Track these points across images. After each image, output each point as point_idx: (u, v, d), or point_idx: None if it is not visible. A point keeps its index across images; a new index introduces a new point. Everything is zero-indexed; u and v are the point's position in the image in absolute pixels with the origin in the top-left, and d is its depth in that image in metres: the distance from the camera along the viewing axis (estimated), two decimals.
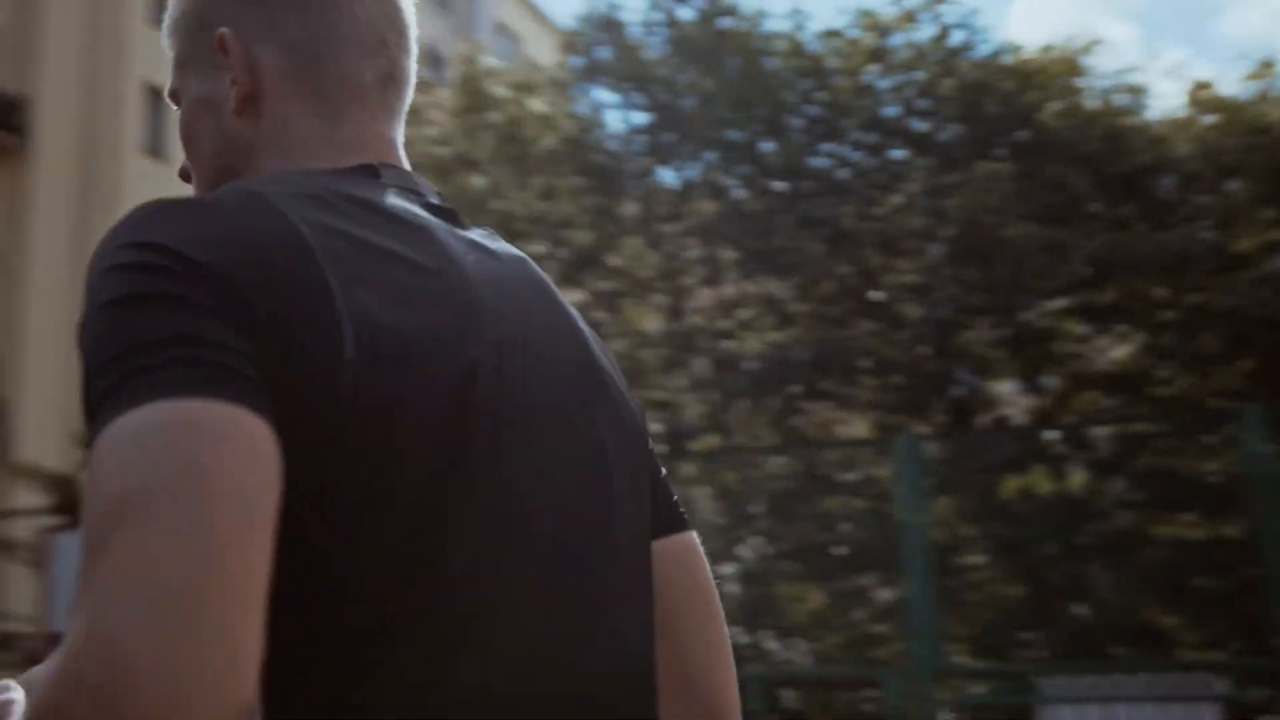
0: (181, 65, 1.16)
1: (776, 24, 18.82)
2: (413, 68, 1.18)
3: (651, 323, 15.13)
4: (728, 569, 11.03)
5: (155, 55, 27.78)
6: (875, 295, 13.97)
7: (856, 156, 14.44)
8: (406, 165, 1.15)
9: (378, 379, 0.87)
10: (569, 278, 15.00)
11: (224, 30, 1.11)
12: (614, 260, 14.87)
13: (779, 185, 14.13)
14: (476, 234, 1.09)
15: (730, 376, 13.95)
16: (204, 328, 0.82)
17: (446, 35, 32.54)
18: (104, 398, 0.80)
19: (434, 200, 1.09)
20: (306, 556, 0.85)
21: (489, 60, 16.85)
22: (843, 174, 14.29)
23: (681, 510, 1.22)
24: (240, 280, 0.85)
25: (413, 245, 0.97)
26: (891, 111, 14.36)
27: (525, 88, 15.93)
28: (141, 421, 0.78)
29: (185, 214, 0.91)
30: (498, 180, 15.25)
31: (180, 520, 0.74)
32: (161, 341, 0.81)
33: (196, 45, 1.14)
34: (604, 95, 17.58)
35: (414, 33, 1.19)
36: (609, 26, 15.46)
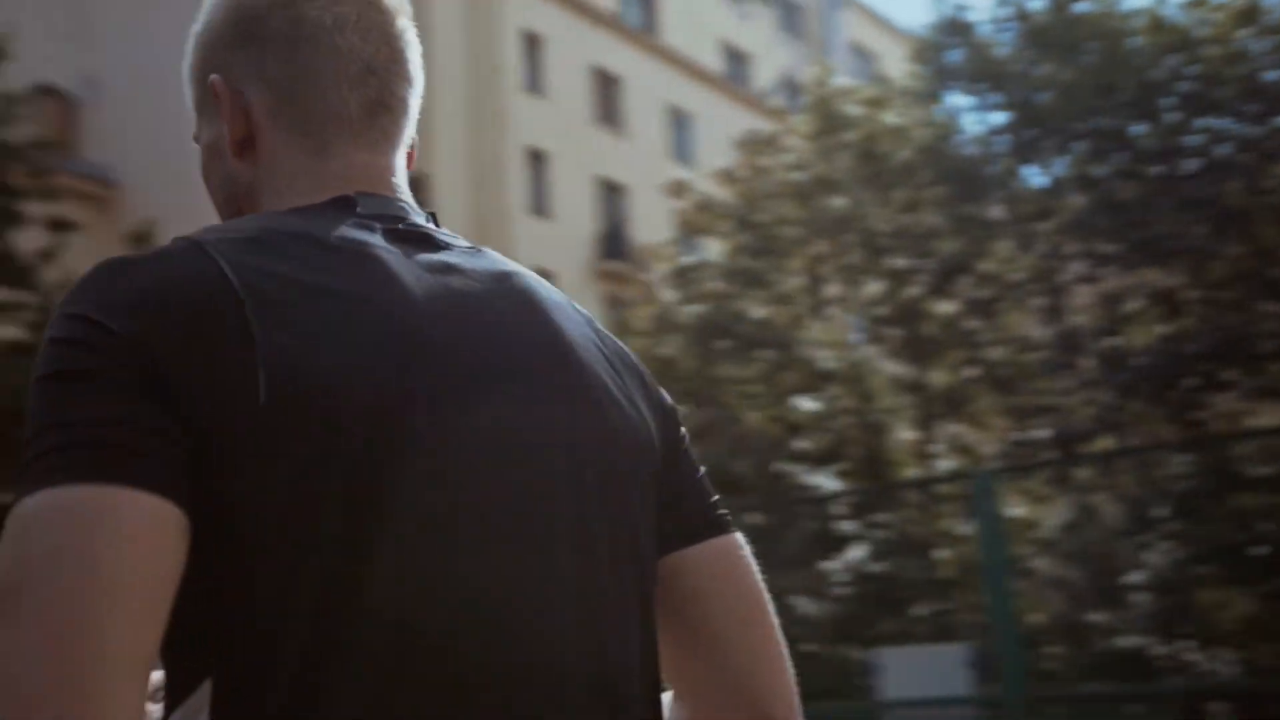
0: (196, 113, 1.19)
1: (1134, 1, 17.75)
2: (411, 93, 1.18)
3: (1030, 326, 14.64)
4: (1135, 576, 10.46)
5: (532, 120, 29.40)
6: (1276, 274, 12.97)
7: (1237, 128, 13.49)
8: (399, 190, 1.15)
9: (292, 422, 0.90)
10: (939, 289, 14.73)
11: (214, 77, 1.14)
12: (984, 266, 14.49)
13: (1155, 169, 13.39)
14: (451, 255, 1.08)
15: (1119, 375, 13.28)
16: (112, 406, 0.88)
17: (802, 62, 32.78)
18: (19, 476, 0.87)
19: (411, 223, 1.10)
20: (239, 597, 0.89)
21: (840, 80, 16.85)
22: (1223, 149, 13.38)
23: (720, 514, 1.18)
24: (157, 347, 0.90)
25: (350, 278, 0.99)
26: (1272, 76, 13.33)
27: (878, 102, 15.82)
28: (30, 509, 0.85)
29: (119, 278, 0.95)
30: (858, 199, 15.21)
31: (40, 613, 0.81)
32: (69, 423, 0.87)
33: (202, 93, 1.17)
34: (959, 100, 17.18)
35: (413, 58, 1.18)
36: (958, 29, 15.15)
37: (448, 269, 1.06)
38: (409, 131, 1.19)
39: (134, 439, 0.87)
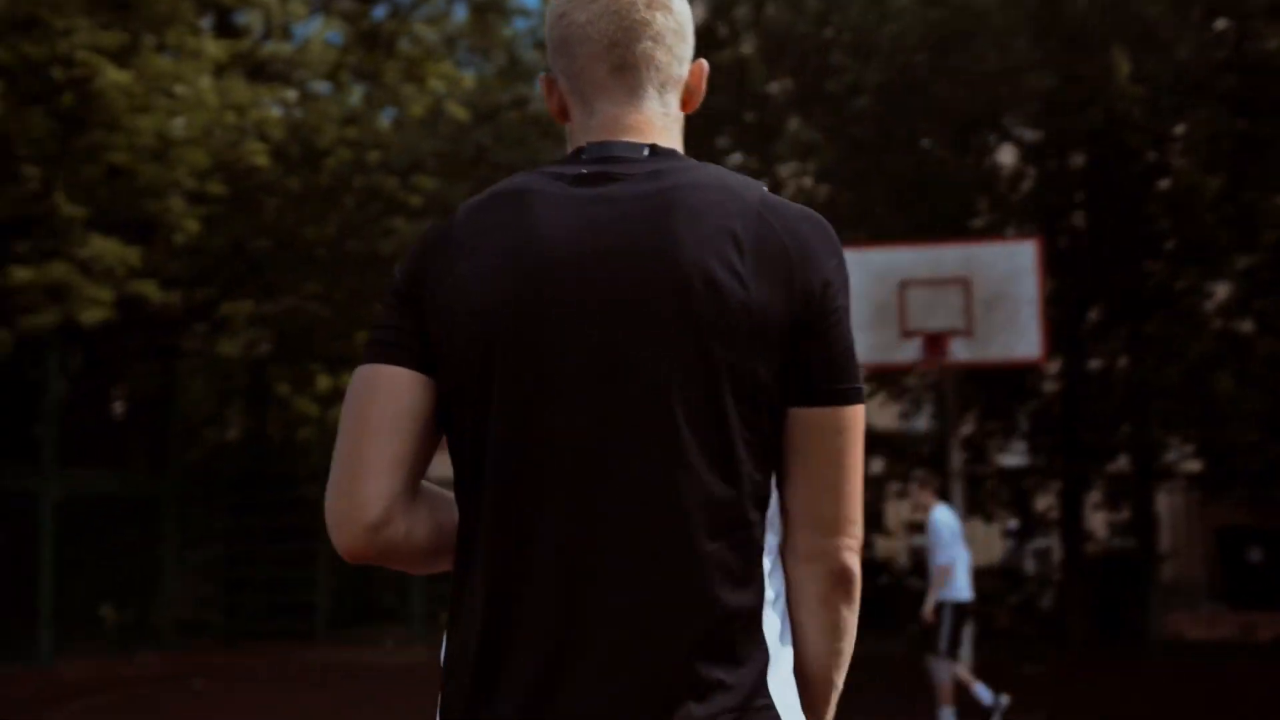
0: None
1: None
2: (652, 46, 1.56)
3: None
4: None
5: None
6: None
7: None
8: (631, 134, 1.55)
9: (454, 320, 1.45)
10: None
11: (542, 74, 1.64)
12: None
13: None
14: (617, 186, 1.48)
15: None
16: (388, 319, 1.51)
17: None
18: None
19: (600, 162, 1.51)
20: (449, 431, 1.50)
21: None
22: None
23: (838, 388, 1.45)
24: (408, 282, 1.50)
25: (510, 219, 1.47)
26: None
27: None
28: (355, 373, 1.51)
29: (417, 241, 1.55)
30: None
31: (342, 431, 1.49)
32: (373, 327, 1.52)
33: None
34: None
35: (652, 22, 1.56)
36: None
37: (599, 200, 1.48)
38: (661, 75, 1.59)
39: (391, 336, 1.50)
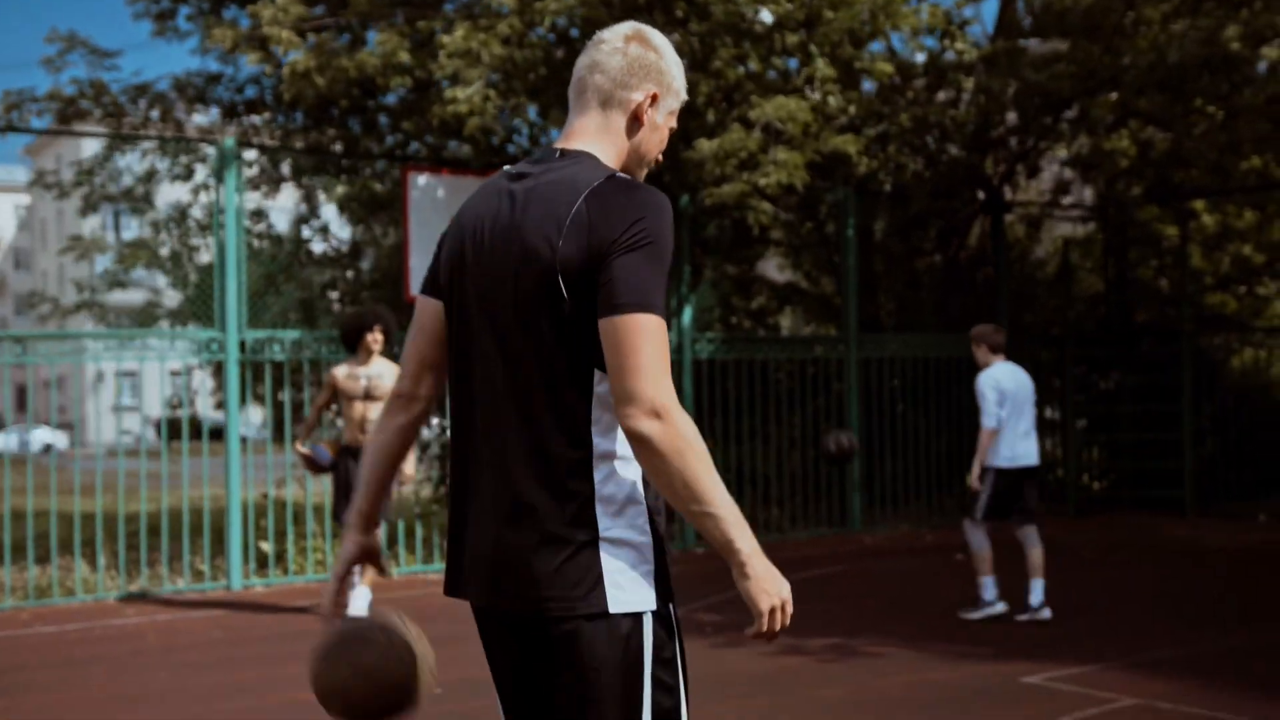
0: None
1: None
2: (600, 77, 2.25)
3: None
4: None
5: None
6: None
7: None
8: (568, 139, 2.26)
9: (440, 267, 2.31)
10: None
11: None
12: None
13: None
14: (520, 182, 2.21)
15: None
16: (432, 259, 2.35)
17: None
18: None
19: (530, 161, 2.24)
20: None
21: None
22: None
23: (615, 303, 2.03)
24: (442, 239, 2.33)
25: (475, 204, 2.26)
26: None
27: None
28: None
29: None
30: None
31: None
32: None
33: None
34: None
35: (604, 61, 2.26)
36: None
37: (508, 192, 2.23)
38: (601, 95, 2.27)
39: (426, 274, 2.35)
